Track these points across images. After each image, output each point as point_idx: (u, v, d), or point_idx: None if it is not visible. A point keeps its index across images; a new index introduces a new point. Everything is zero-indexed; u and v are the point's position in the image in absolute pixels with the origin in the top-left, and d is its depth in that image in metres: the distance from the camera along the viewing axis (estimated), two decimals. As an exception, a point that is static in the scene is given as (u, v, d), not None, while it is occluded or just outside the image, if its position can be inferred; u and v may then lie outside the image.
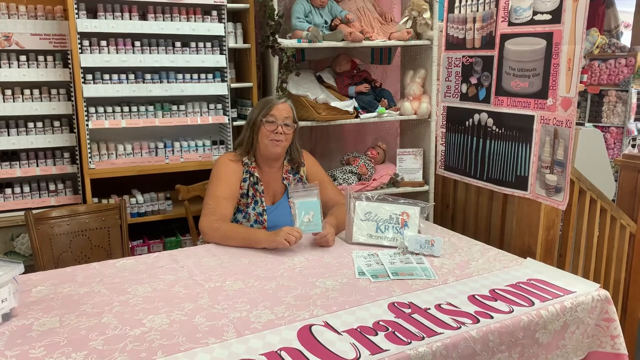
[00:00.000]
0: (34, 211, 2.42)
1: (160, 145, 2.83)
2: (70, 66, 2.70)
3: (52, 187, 2.78)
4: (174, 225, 2.98)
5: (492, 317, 1.55)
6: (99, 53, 2.61)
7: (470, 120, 2.71)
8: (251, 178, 2.30)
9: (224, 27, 2.80)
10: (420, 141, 3.19)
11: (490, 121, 2.60)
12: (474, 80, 2.67)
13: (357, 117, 2.97)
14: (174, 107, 2.83)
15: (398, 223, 2.12)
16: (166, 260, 1.99)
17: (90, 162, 2.65)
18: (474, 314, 1.56)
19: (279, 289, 1.74)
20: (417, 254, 2.03)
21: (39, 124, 2.71)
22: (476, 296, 1.68)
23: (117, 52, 2.64)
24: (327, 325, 1.49)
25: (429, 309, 1.59)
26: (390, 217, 2.13)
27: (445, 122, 2.90)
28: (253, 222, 2.28)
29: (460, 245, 2.17)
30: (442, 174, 3.05)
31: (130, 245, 2.77)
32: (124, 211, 2.59)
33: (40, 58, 2.67)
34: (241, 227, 2.22)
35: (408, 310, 1.58)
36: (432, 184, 3.13)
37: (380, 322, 1.51)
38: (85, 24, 2.55)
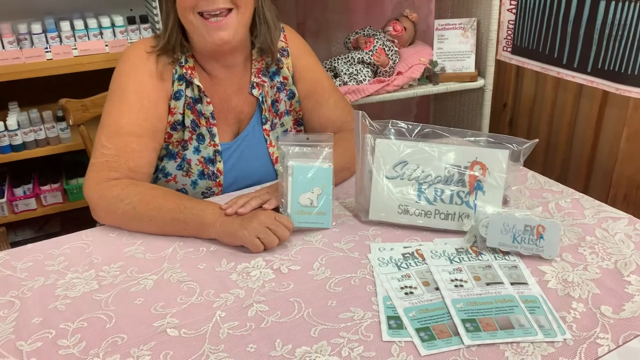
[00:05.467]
0: None
1: (36, 28, 1.69)
2: None
3: None
4: (84, 158, 1.91)
5: None
6: None
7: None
8: (189, 91, 1.20)
9: None
10: (473, 6, 1.99)
11: (612, -34, 1.52)
12: None
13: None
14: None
15: (463, 184, 1.04)
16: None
17: None
18: None
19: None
20: (504, 252, 0.98)
21: None
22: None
23: None
24: None
25: None
26: (448, 171, 1.05)
27: (519, -27, 1.81)
28: (197, 177, 1.24)
29: (580, 217, 1.10)
30: (507, 59, 1.93)
31: (5, 198, 1.74)
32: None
33: None
34: (168, 195, 1.11)
35: None
36: (489, 75, 1.98)
37: None
38: None
